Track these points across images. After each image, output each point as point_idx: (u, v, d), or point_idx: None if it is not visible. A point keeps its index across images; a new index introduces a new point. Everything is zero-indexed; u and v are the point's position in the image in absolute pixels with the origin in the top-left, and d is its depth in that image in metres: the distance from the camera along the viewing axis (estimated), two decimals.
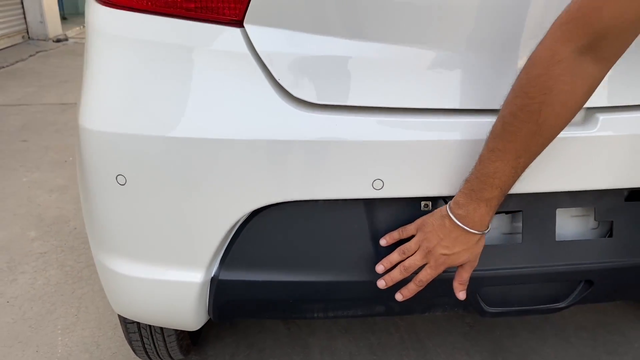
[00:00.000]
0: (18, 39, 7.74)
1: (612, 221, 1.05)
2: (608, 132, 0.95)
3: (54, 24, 8.48)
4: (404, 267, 0.94)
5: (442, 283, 0.98)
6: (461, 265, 0.94)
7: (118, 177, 0.93)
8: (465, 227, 0.89)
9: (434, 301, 1.10)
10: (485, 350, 1.57)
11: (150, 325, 1.26)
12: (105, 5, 0.94)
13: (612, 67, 0.80)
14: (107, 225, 0.98)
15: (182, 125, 0.90)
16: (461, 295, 0.96)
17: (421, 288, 0.96)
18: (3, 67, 6.08)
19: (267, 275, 1.00)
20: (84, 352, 1.56)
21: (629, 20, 0.71)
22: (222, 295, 1.01)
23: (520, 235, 1.03)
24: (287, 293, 1.03)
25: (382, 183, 0.92)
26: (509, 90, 0.82)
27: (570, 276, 1.07)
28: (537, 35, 0.80)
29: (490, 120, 0.86)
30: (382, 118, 0.91)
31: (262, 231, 0.97)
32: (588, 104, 0.87)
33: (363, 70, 0.90)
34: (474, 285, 1.02)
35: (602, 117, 0.95)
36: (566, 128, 0.86)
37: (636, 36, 0.75)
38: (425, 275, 0.94)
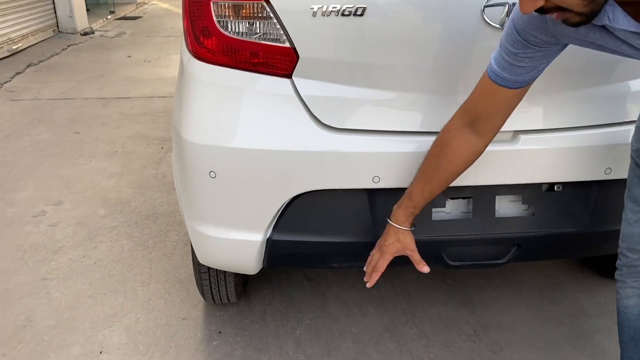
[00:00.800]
0: (50, 33, 8.26)
1: (535, 205, 1.57)
2: (527, 146, 1.47)
3: (81, 18, 8.98)
4: (372, 267, 1.48)
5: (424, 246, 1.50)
6: (407, 253, 1.46)
7: (210, 172, 1.46)
8: (393, 224, 1.42)
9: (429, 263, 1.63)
10: (459, 300, 2.10)
11: (218, 273, 1.80)
12: (200, 61, 1.46)
13: (530, 103, 1.32)
14: (201, 203, 1.51)
15: (249, 141, 1.43)
16: (424, 269, 1.48)
17: (379, 273, 1.48)
18: (41, 62, 6.62)
19: (303, 237, 1.53)
20: (159, 299, 2.11)
21: (491, 111, 1.26)
22: (273, 249, 1.54)
23: (471, 214, 1.55)
24: (316, 249, 1.57)
25: (379, 178, 1.45)
26: None
27: (506, 241, 1.59)
28: (466, 87, 1.31)
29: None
30: (378, 137, 1.43)
31: (300, 209, 1.50)
32: (514, 127, 1.41)
33: (367, 106, 1.43)
34: (440, 246, 1.56)
35: (523, 136, 1.47)
36: (501, 143, 1.39)
37: (501, 121, 1.30)
38: (379, 263, 1.47)
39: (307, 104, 1.42)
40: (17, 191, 3.03)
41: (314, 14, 1.35)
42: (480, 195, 1.54)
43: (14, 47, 6.81)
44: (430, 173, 1.36)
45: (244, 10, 1.39)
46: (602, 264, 2.19)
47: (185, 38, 1.51)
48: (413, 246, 1.47)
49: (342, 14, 1.34)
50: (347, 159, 1.43)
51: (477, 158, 1.36)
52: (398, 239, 1.45)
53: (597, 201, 1.57)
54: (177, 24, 10.49)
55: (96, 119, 4.36)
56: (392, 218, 1.44)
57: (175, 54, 7.22)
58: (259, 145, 1.43)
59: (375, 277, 1.50)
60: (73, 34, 8.64)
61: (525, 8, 0.94)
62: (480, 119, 1.29)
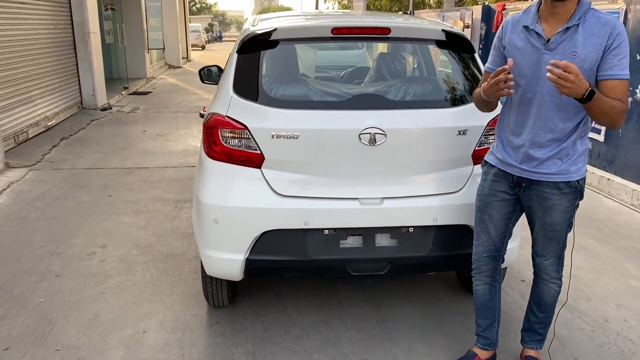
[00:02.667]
0: (75, 110, 9.66)
1: (398, 239, 2.76)
2: (389, 206, 2.68)
3: (101, 95, 10.42)
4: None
5: (335, 263, 2.68)
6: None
7: (215, 219, 2.66)
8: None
9: (336, 273, 2.80)
10: (371, 305, 3.24)
11: (216, 283, 2.96)
12: (211, 159, 2.71)
13: (389, 182, 2.56)
14: (209, 237, 2.71)
15: (237, 201, 2.66)
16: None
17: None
18: (71, 135, 7.94)
19: (268, 257, 2.71)
20: (178, 304, 3.26)
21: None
22: (249, 265, 2.71)
23: (362, 244, 2.73)
24: (275, 264, 2.74)
25: (308, 222, 2.64)
26: None
27: (383, 261, 2.76)
28: (353, 174, 2.54)
29: (351, 206, 2.60)
30: (307, 200, 2.65)
31: (265, 240, 2.68)
32: (381, 195, 2.63)
33: (301, 183, 2.65)
34: (345, 263, 2.74)
35: (386, 200, 2.68)
36: (374, 204, 2.62)
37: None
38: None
39: (269, 182, 2.65)
40: (72, 238, 4.21)
41: (272, 136, 2.60)
42: (367, 233, 2.74)
43: (49, 124, 8.16)
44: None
45: (235, 134, 2.65)
46: (463, 283, 3.35)
47: (202, 145, 2.76)
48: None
49: (286, 137, 2.59)
50: (290, 212, 2.64)
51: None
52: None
53: (434, 237, 2.76)
54: (184, 99, 11.95)
55: (123, 184, 5.59)
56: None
57: (183, 129, 8.57)
58: (242, 204, 2.65)
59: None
60: (94, 109, 10.04)
61: None
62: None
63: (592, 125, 5.92)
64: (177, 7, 20.55)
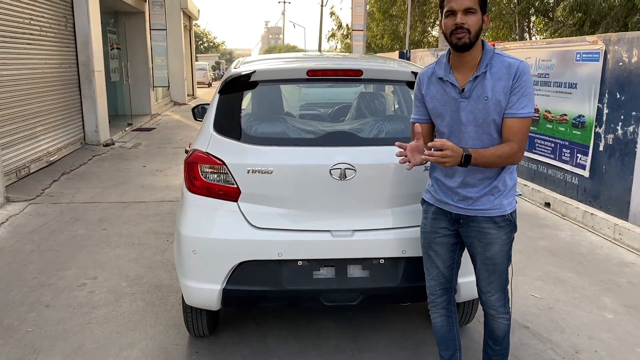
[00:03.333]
0: (77, 145, 9.90)
1: (370, 270, 2.87)
2: (360, 238, 2.80)
3: (104, 131, 10.69)
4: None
5: (308, 293, 2.79)
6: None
7: (193, 250, 2.79)
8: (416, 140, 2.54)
9: (311, 303, 2.91)
10: (349, 337, 3.32)
11: (196, 313, 3.06)
12: (192, 193, 2.85)
13: (358, 215, 2.68)
14: (187, 267, 2.83)
15: (214, 234, 2.79)
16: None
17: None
18: (72, 170, 8.15)
19: (244, 287, 2.82)
20: (161, 334, 3.35)
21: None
22: (226, 294, 2.82)
23: (334, 275, 2.85)
24: (254, 294, 2.85)
25: (282, 254, 2.77)
26: None
27: (355, 291, 2.87)
28: (324, 207, 2.67)
29: (323, 238, 2.73)
30: (281, 232, 2.78)
31: (242, 270, 2.80)
32: (352, 228, 2.76)
33: (276, 216, 2.78)
34: (318, 294, 2.84)
35: (357, 233, 2.80)
36: (346, 236, 2.74)
37: (426, 139, 2.67)
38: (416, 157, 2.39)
39: (245, 215, 2.78)
40: (64, 270, 4.34)
41: (248, 171, 2.75)
42: (340, 264, 2.85)
43: (51, 159, 8.38)
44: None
45: (214, 169, 2.80)
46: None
47: (184, 180, 2.91)
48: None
49: (261, 172, 2.74)
50: (264, 243, 2.77)
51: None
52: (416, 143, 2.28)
53: (403, 268, 2.87)
54: (186, 135, 12.20)
55: (119, 218, 5.74)
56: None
57: (182, 164, 8.76)
58: (219, 236, 2.78)
59: (411, 165, 2.26)
60: (97, 145, 10.28)
61: (459, 19, 2.19)
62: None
63: (576, 161, 6.04)
64: (184, 46, 21.11)
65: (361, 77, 3.01)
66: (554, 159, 6.59)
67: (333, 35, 35.63)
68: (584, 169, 5.99)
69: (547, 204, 6.35)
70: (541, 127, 6.85)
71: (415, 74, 3.03)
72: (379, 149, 2.86)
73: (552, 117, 6.60)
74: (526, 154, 7.16)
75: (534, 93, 2.40)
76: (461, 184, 2.39)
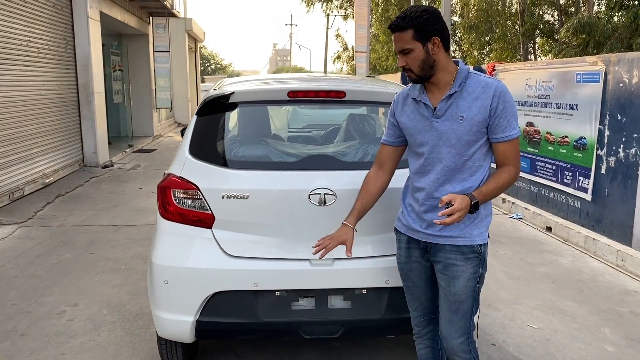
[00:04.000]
0: (76, 167, 9.84)
1: (352, 301, 2.71)
2: (340, 267, 2.65)
3: (103, 153, 10.64)
4: (323, 246, 2.37)
5: (287, 325, 2.63)
6: (347, 242, 2.34)
7: (165, 280, 2.65)
8: (346, 224, 2.39)
9: (289, 336, 2.75)
10: (337, 354, 3.16)
11: (171, 345, 2.91)
12: (165, 219, 2.72)
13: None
14: (159, 298, 2.69)
15: (187, 262, 2.65)
16: (348, 254, 2.42)
17: (327, 251, 2.35)
18: (68, 192, 8.06)
19: (218, 319, 2.67)
20: None
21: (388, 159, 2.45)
22: (199, 326, 2.67)
23: (314, 306, 2.69)
24: (229, 326, 2.70)
25: (257, 284, 2.62)
26: None
27: (336, 323, 2.71)
28: (303, 234, 2.54)
29: (302, 267, 2.59)
30: (257, 261, 2.63)
31: (216, 301, 2.65)
32: (333, 256, 2.60)
33: (251, 244, 2.65)
34: (297, 326, 2.69)
35: (337, 262, 2.66)
36: (325, 265, 2.58)
37: (395, 164, 2.46)
38: (330, 244, 2.33)
39: (219, 243, 2.65)
40: (46, 296, 4.20)
41: (223, 197, 2.62)
42: (320, 295, 2.70)
43: (46, 181, 8.30)
44: (363, 196, 2.43)
45: (188, 194, 2.68)
46: None
47: (158, 206, 2.78)
48: (351, 240, 2.36)
49: (236, 198, 2.61)
50: (239, 273, 2.62)
51: (386, 187, 2.46)
52: (346, 232, 2.36)
53: (387, 299, 2.71)
54: None
55: (108, 242, 5.61)
56: (346, 220, 2.38)
57: None
58: (192, 265, 2.64)
59: (324, 253, 2.34)
60: (95, 166, 10.22)
61: (399, 62, 2.16)
62: (384, 164, 2.44)
63: (578, 184, 5.87)
64: (188, 67, 21.22)
65: (344, 98, 2.89)
66: (556, 181, 6.43)
67: (339, 57, 35.81)
68: (586, 192, 5.83)
69: (549, 228, 6.17)
70: (542, 149, 6.70)
71: None
72: (361, 173, 2.71)
73: (554, 139, 6.46)
74: (527, 176, 7.00)
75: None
76: (430, 207, 2.26)
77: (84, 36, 9.81)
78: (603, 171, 5.58)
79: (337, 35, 34.39)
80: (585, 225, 5.80)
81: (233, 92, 2.85)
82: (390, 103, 3.01)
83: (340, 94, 2.88)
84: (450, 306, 2.28)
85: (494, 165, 2.26)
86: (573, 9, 21.21)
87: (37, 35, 8.29)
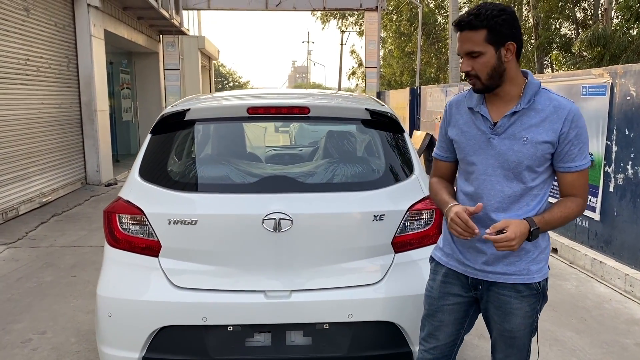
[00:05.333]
0: (77, 185, 9.76)
1: (312, 337, 2.47)
2: (297, 300, 2.41)
3: (107, 171, 10.56)
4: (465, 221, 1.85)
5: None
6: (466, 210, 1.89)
7: (108, 313, 2.44)
8: (453, 205, 1.93)
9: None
10: None
11: None
12: (109, 246, 2.52)
13: (297, 274, 2.30)
14: (103, 331, 2.47)
15: (131, 294, 2.43)
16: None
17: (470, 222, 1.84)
18: (64, 212, 7.95)
19: (165, 356, 2.45)
20: None
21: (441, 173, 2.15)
22: None
23: (271, 342, 2.45)
24: None
25: (206, 318, 2.39)
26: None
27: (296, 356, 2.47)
28: (255, 262, 2.31)
29: (256, 300, 2.35)
30: (206, 293, 2.41)
31: (163, 336, 2.43)
32: (289, 288, 2.36)
33: (200, 274, 2.42)
34: None
35: (294, 294, 2.42)
36: (281, 298, 2.35)
37: (452, 178, 2.15)
38: (463, 216, 1.84)
39: (166, 273, 2.44)
40: (15, 323, 4.02)
41: (169, 222, 2.41)
42: (277, 330, 2.46)
43: (44, 200, 8.21)
44: (446, 186, 2.10)
45: (134, 220, 2.47)
46: None
47: (104, 232, 2.58)
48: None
49: (184, 223, 2.40)
50: (187, 306, 2.40)
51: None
52: (457, 206, 1.92)
53: (352, 335, 2.46)
54: None
55: (93, 264, 5.44)
56: (450, 204, 1.95)
57: None
58: (137, 297, 2.43)
59: (472, 224, 1.85)
60: (98, 185, 10.13)
61: (463, 67, 1.87)
62: (443, 178, 2.16)
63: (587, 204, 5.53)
64: (201, 85, 21.27)
65: (308, 114, 2.67)
66: None
67: (354, 72, 35.73)
68: (594, 212, 5.49)
69: (555, 250, 5.83)
70: None
71: (369, 111, 2.70)
72: (321, 195, 2.50)
73: None
74: None
75: None
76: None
77: (86, 54, 9.78)
78: (611, 189, 5.25)
79: (352, 52, 34.32)
80: (594, 246, 5.46)
81: (189, 109, 2.66)
82: (358, 120, 2.81)
83: (304, 109, 2.66)
84: (505, 341, 2.03)
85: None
86: (591, 22, 20.82)
87: (37, 54, 8.25)
